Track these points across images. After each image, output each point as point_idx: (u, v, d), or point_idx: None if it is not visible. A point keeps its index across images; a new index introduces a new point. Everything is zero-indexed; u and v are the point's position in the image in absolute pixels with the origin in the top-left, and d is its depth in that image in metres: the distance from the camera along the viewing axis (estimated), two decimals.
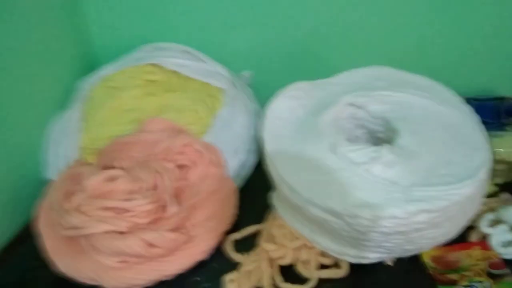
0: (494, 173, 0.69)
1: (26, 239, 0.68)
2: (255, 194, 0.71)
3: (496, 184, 0.69)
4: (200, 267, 0.60)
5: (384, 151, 0.55)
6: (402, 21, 0.86)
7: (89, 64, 0.92)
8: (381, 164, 0.54)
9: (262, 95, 0.83)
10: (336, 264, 0.58)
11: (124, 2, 0.90)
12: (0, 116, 0.68)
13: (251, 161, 0.80)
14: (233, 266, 0.60)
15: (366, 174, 0.53)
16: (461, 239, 0.59)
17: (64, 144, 0.77)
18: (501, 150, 0.68)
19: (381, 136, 0.64)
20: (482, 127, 0.59)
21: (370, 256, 0.56)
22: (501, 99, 0.83)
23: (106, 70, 0.84)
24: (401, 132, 0.58)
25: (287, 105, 0.66)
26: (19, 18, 0.72)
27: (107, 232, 0.56)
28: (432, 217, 0.49)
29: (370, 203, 0.50)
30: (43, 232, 0.62)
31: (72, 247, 0.59)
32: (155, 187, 0.62)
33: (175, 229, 0.59)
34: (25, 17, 0.73)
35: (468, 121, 0.59)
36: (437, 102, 0.62)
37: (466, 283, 0.53)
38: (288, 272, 0.58)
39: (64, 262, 0.59)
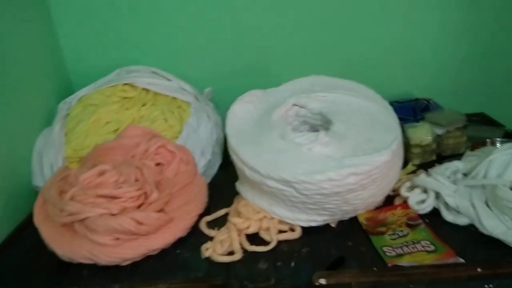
0: (412, 155, 0.87)
1: (19, 237, 0.77)
2: (221, 188, 0.84)
3: (414, 165, 0.86)
4: (180, 242, 0.72)
5: (321, 135, 0.70)
6: (335, 42, 1.06)
7: (67, 88, 1.04)
8: (319, 144, 0.69)
9: (221, 106, 0.98)
10: (291, 229, 0.71)
11: (96, 33, 1.04)
12: None
13: (217, 161, 0.94)
14: (207, 240, 0.72)
15: (309, 152, 0.68)
16: (388, 204, 0.76)
17: (49, 155, 0.87)
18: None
19: (321, 129, 0.80)
20: (395, 115, 0.76)
21: (318, 219, 0.70)
22: (416, 100, 1.02)
23: (83, 92, 0.96)
24: (334, 122, 0.74)
25: (245, 108, 0.81)
26: (8, 54, 0.84)
27: (101, 215, 0.67)
28: (360, 179, 0.65)
29: (312, 171, 0.64)
30: (40, 225, 0.71)
31: (68, 234, 0.69)
32: (137, 180, 0.74)
33: (157, 212, 0.71)
34: (13, 53, 0.86)
35: (384, 111, 0.77)
36: (361, 98, 0.79)
37: (391, 232, 0.68)
38: (254, 239, 0.70)
39: (62, 247, 0.68)
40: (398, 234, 0.68)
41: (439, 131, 0.88)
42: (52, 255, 0.69)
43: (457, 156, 0.84)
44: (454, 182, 0.74)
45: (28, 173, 0.86)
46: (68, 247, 0.68)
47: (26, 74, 0.90)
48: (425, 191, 0.74)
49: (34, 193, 0.81)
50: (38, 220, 0.72)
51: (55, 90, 1.01)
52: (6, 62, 0.83)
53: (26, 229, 0.78)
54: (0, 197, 0.78)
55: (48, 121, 0.93)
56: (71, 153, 0.87)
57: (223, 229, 0.73)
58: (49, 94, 0.99)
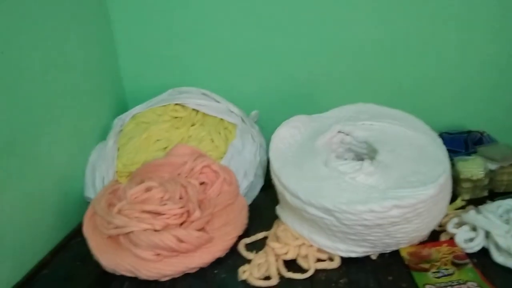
0: (461, 190, 0.84)
1: (68, 245, 0.82)
2: (262, 211, 0.85)
3: (464, 200, 0.83)
4: (218, 263, 0.73)
5: (366, 164, 0.70)
6: (384, 70, 1.04)
7: (122, 105, 1.10)
8: (363, 173, 0.68)
9: (266, 129, 0.99)
10: (330, 258, 0.70)
11: (153, 54, 1.09)
12: (52, 145, 0.83)
13: (259, 184, 0.94)
14: (245, 262, 0.72)
15: (352, 181, 0.68)
16: (433, 240, 0.73)
17: (101, 169, 0.91)
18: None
19: (366, 158, 0.79)
20: (445, 146, 0.74)
21: (357, 250, 0.69)
22: (468, 132, 0.98)
23: (137, 110, 1.01)
24: (380, 151, 0.73)
25: (289, 132, 0.81)
26: (72, 71, 0.90)
27: (145, 230, 0.69)
28: (403, 212, 0.63)
29: (354, 201, 0.64)
30: (88, 235, 0.75)
31: (113, 245, 0.72)
32: (181, 197, 0.76)
33: (199, 230, 0.72)
34: (76, 70, 0.92)
35: (432, 142, 0.74)
36: (409, 128, 0.77)
37: (435, 270, 0.66)
38: (291, 265, 0.70)
39: (106, 258, 0.71)
40: (442, 273, 0.65)
41: (493, 166, 0.84)
42: (97, 265, 0.72)
43: (511, 193, 0.80)
44: (507, 221, 0.70)
45: (81, 185, 0.91)
46: (112, 259, 0.70)
47: (87, 90, 0.96)
48: (474, 229, 0.70)
49: (85, 204, 0.85)
50: (87, 230, 0.75)
51: (111, 107, 1.07)
52: (69, 79, 0.89)
53: (76, 237, 0.82)
54: (54, 205, 0.83)
55: (103, 136, 0.98)
56: (122, 168, 0.91)
57: (261, 252, 0.73)
58: (105, 110, 1.04)
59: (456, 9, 0.98)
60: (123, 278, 0.70)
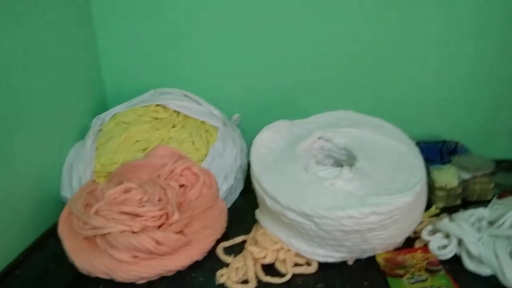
0: (436, 198, 0.86)
1: (42, 245, 0.80)
2: (241, 214, 0.85)
3: (438, 208, 0.85)
4: (195, 266, 0.72)
5: (345, 171, 0.71)
6: (365, 79, 1.06)
7: (102, 104, 1.08)
8: (342, 180, 0.69)
9: (248, 133, 1.00)
10: (307, 263, 0.71)
11: (135, 54, 1.08)
12: (29, 143, 0.81)
13: (239, 187, 0.95)
14: (223, 266, 0.72)
15: (331, 187, 0.69)
16: (408, 246, 0.74)
17: (78, 168, 0.90)
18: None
19: (345, 164, 0.80)
20: (421, 155, 0.76)
21: (335, 255, 0.69)
22: (444, 142, 1.01)
23: (117, 109, 1.00)
24: (359, 158, 0.74)
25: (271, 137, 0.82)
26: (51, 71, 0.88)
27: (122, 232, 0.68)
28: (381, 218, 0.64)
29: (333, 207, 0.64)
30: (63, 236, 0.73)
31: (89, 247, 0.71)
32: (160, 199, 0.76)
33: (177, 233, 0.72)
34: (57, 68, 0.90)
35: (409, 151, 0.76)
36: (387, 137, 0.79)
37: (409, 276, 0.67)
38: (269, 269, 0.70)
39: (81, 260, 0.70)
40: (416, 279, 0.66)
41: (466, 175, 0.86)
42: (72, 267, 0.71)
43: (483, 202, 0.82)
44: (478, 229, 0.72)
45: (58, 184, 0.89)
46: (87, 261, 0.69)
47: (66, 88, 0.94)
48: (447, 236, 0.72)
49: (61, 204, 0.83)
50: (62, 231, 0.74)
51: (91, 106, 1.05)
52: (48, 76, 0.87)
53: (50, 238, 0.80)
54: (29, 204, 0.81)
55: (82, 135, 0.97)
56: (100, 168, 0.89)
57: (239, 256, 0.73)
58: (85, 109, 1.03)
59: (437, 25, 1.01)
60: (98, 280, 0.69)
